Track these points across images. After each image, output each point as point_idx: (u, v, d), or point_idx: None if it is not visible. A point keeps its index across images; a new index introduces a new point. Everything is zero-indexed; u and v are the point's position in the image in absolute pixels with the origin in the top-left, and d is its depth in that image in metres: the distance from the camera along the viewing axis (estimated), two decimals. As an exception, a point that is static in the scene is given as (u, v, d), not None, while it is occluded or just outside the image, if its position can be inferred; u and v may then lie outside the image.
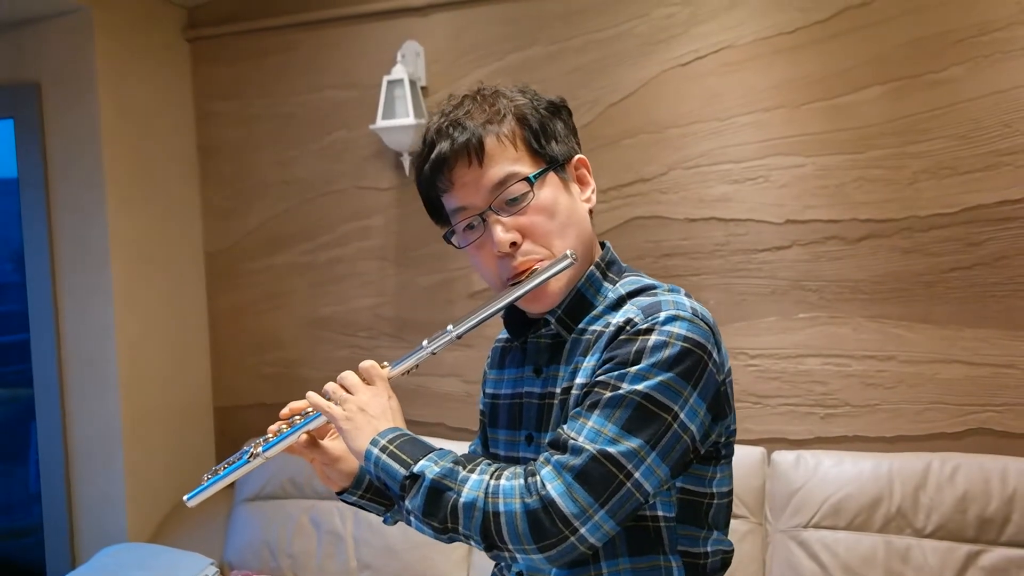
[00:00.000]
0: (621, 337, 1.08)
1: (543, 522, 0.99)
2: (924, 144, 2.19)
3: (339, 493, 1.30)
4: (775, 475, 2.21)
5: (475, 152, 1.13)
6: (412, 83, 2.57)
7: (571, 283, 1.17)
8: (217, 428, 3.00)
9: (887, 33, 2.21)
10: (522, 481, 1.03)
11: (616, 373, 1.05)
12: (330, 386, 1.17)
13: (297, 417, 1.22)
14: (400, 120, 2.56)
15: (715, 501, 1.14)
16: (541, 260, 1.14)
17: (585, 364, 1.12)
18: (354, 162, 2.77)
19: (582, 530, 1.00)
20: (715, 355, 1.09)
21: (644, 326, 1.07)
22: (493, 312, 1.16)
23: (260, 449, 1.21)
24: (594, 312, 1.16)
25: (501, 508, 1.01)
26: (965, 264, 2.17)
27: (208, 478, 1.23)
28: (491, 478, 1.04)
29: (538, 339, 1.21)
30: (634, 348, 1.06)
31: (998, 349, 2.15)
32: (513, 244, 1.14)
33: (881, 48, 2.22)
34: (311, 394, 1.18)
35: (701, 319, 1.09)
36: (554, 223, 1.14)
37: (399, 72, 2.57)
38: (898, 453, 2.17)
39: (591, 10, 2.48)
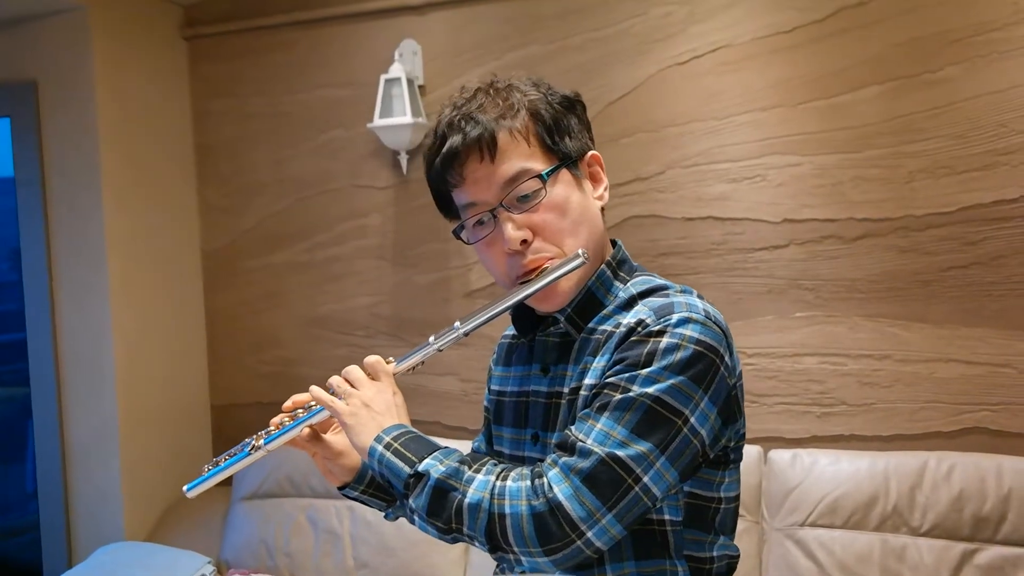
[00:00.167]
0: (632, 338, 1.06)
1: (549, 525, 0.98)
2: (921, 144, 2.19)
3: (341, 488, 1.29)
4: (772, 473, 2.21)
5: (487, 147, 1.11)
6: (410, 82, 2.57)
7: (582, 282, 1.15)
8: (214, 427, 3.00)
9: (884, 33, 2.21)
10: (529, 483, 1.01)
11: (626, 375, 1.03)
12: (334, 380, 1.15)
13: (300, 410, 1.21)
14: (397, 119, 2.55)
15: (722, 506, 1.13)
16: (552, 258, 1.12)
17: (594, 365, 1.10)
18: (351, 160, 2.77)
19: (589, 534, 0.98)
20: (727, 359, 1.07)
21: (656, 328, 1.05)
22: (502, 310, 1.13)
23: (262, 442, 1.19)
24: (604, 311, 1.14)
25: (507, 510, 1.00)
26: (962, 263, 2.17)
27: (209, 469, 1.21)
28: (497, 479, 1.03)
29: (546, 337, 1.19)
30: (645, 350, 1.04)
31: (994, 348, 2.16)
32: (523, 242, 1.11)
33: (878, 48, 2.22)
34: (315, 388, 1.16)
35: (714, 322, 1.08)
36: (566, 221, 1.12)
37: (396, 71, 2.57)
38: (894, 452, 2.17)
39: (589, 9, 2.48)
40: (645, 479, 1.00)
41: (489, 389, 1.33)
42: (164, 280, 2.86)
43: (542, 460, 1.12)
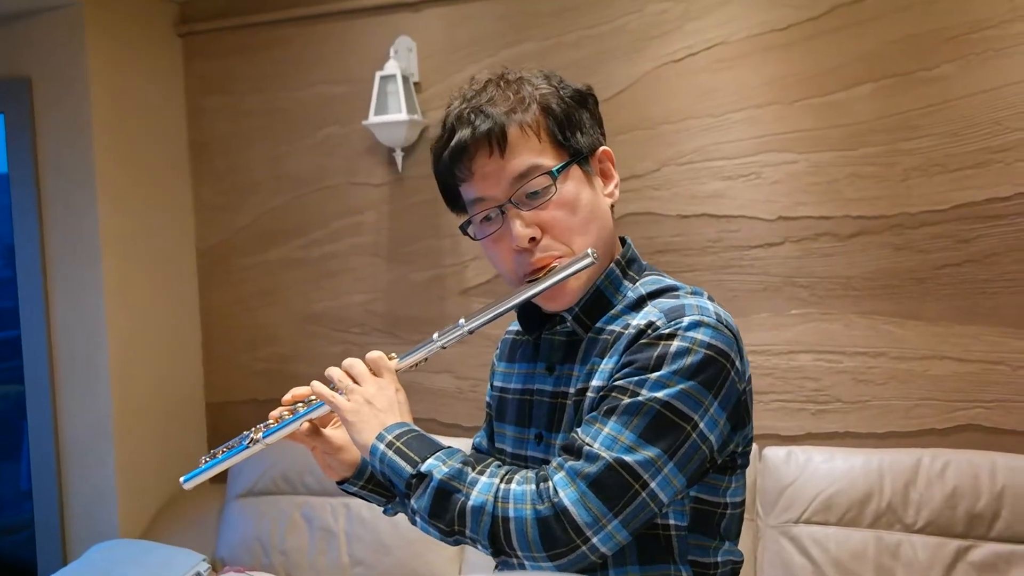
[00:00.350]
0: (642, 341, 1.04)
1: (554, 530, 0.97)
2: (915, 141, 2.19)
3: (340, 483, 1.27)
4: (766, 471, 2.22)
5: (497, 142, 1.08)
6: (405, 79, 2.57)
7: (590, 281, 1.12)
8: (209, 424, 3.00)
9: (879, 30, 2.21)
10: (534, 487, 1.00)
11: (636, 379, 1.02)
12: (335, 373, 1.13)
13: (300, 404, 1.18)
14: (392, 116, 2.55)
15: (728, 511, 1.11)
16: (560, 257, 1.10)
17: (602, 366, 1.08)
18: (347, 158, 2.77)
19: (594, 539, 0.97)
20: (737, 364, 1.05)
21: (667, 331, 1.03)
22: (508, 308, 1.11)
23: (260, 435, 1.17)
24: (613, 311, 1.12)
25: (511, 513, 0.99)
26: (956, 261, 2.18)
27: (206, 461, 1.20)
28: (501, 481, 1.01)
29: (552, 336, 1.17)
30: (655, 353, 1.02)
31: (988, 345, 2.16)
32: (532, 239, 1.09)
33: (873, 45, 2.22)
34: (316, 384, 1.14)
35: (725, 326, 1.06)
36: (575, 219, 1.10)
37: (391, 68, 2.56)
38: (889, 449, 2.18)
39: (584, 6, 2.48)
40: (652, 485, 0.99)
41: (491, 385, 1.31)
42: (159, 277, 2.85)
43: (545, 460, 1.11)
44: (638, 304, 1.11)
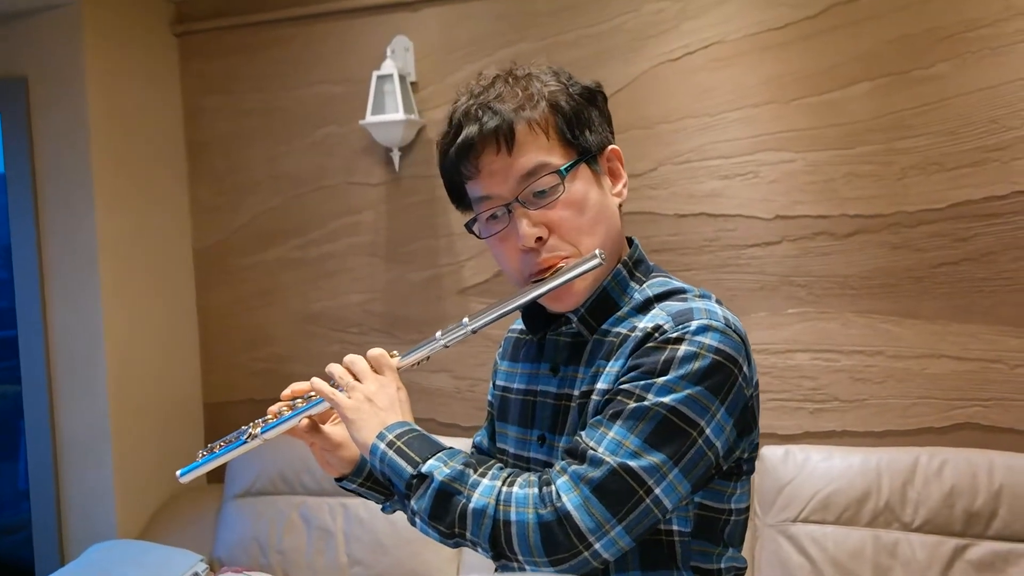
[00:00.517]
0: (649, 344, 1.02)
1: (557, 535, 0.96)
2: (912, 140, 2.20)
3: (338, 480, 1.25)
4: (764, 470, 2.22)
5: (504, 139, 1.06)
6: (402, 78, 2.56)
7: (597, 282, 1.11)
8: (207, 424, 2.99)
9: (875, 29, 2.22)
10: (536, 490, 0.99)
11: (642, 383, 1.00)
12: (336, 369, 1.11)
13: (299, 400, 1.16)
14: (390, 115, 2.55)
15: (732, 518, 1.10)
16: (567, 257, 1.08)
17: (608, 369, 1.06)
18: (344, 157, 2.77)
19: (596, 545, 0.96)
20: (745, 369, 1.04)
21: (674, 335, 1.01)
22: (512, 308, 1.09)
23: (258, 431, 1.15)
24: (619, 313, 1.10)
25: (513, 517, 0.97)
26: (953, 260, 2.18)
27: (204, 455, 1.18)
28: (503, 484, 1.00)
29: (557, 336, 1.15)
30: (662, 357, 1.00)
31: (985, 344, 2.16)
32: (539, 239, 1.07)
33: (869, 44, 2.22)
34: (316, 380, 1.12)
35: (734, 330, 1.04)
36: (583, 219, 1.08)
37: (388, 67, 2.56)
38: (886, 448, 2.18)
39: (582, 5, 2.48)
40: (657, 491, 0.97)
41: (494, 383, 1.29)
42: (156, 277, 2.85)
43: (548, 463, 1.10)
44: (645, 306, 1.09)
